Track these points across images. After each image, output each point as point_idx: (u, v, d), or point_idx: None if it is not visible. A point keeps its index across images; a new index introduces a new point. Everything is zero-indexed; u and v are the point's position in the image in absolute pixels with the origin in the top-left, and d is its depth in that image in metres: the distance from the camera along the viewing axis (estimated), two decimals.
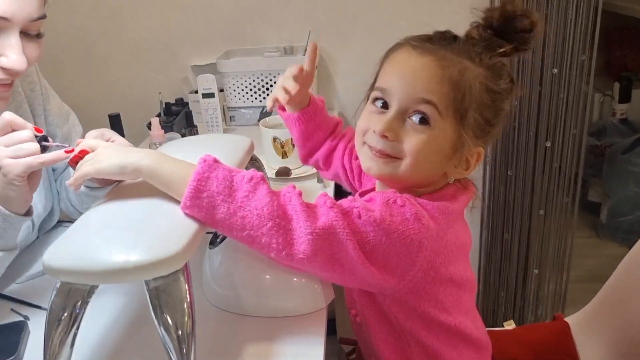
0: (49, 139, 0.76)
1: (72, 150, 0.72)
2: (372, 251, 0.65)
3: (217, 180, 0.64)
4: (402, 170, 0.70)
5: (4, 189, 0.74)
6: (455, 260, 0.73)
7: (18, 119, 0.74)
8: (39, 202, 0.99)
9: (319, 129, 0.94)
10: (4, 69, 0.80)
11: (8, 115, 0.74)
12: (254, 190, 0.64)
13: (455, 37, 0.73)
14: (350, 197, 0.70)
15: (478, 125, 0.71)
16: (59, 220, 1.09)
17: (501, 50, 0.71)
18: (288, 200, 0.65)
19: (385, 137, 0.70)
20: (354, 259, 0.64)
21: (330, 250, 0.64)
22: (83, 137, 0.79)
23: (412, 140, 0.69)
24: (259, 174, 0.66)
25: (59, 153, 0.73)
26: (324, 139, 0.95)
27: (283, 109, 0.94)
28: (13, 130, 0.74)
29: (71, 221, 0.69)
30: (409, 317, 0.74)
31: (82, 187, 0.99)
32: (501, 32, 0.72)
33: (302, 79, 0.86)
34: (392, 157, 0.70)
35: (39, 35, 0.85)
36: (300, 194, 0.67)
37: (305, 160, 0.99)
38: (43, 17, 0.83)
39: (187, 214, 0.64)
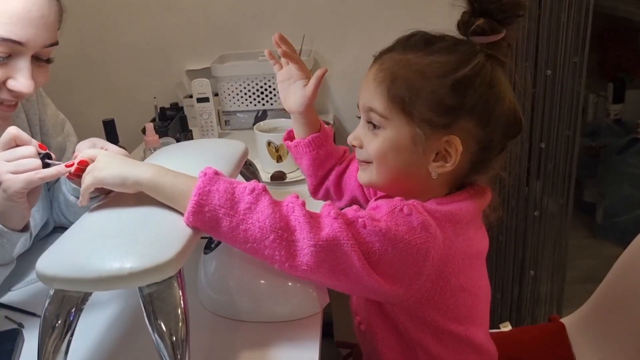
0: (53, 156, 0.76)
1: (72, 164, 0.71)
2: (379, 261, 0.65)
3: (218, 193, 0.64)
4: (375, 175, 0.74)
5: (3, 205, 0.74)
6: (467, 269, 0.73)
7: (23, 134, 0.74)
8: (36, 212, 0.99)
9: (330, 157, 0.94)
10: (11, 91, 0.81)
11: (13, 130, 0.73)
12: (256, 202, 0.64)
13: (414, 34, 0.72)
14: (354, 207, 0.70)
15: (437, 114, 0.68)
16: (54, 227, 1.09)
17: (476, 24, 0.69)
18: (291, 210, 0.65)
19: (354, 145, 0.75)
20: (359, 269, 0.64)
21: (334, 261, 0.64)
22: None
23: (370, 144, 0.73)
24: (261, 185, 0.66)
25: (59, 167, 0.73)
26: (334, 165, 0.95)
27: (291, 139, 0.95)
28: (17, 146, 0.74)
29: (66, 228, 0.68)
30: (418, 326, 0.73)
31: (72, 198, 0.98)
32: (484, 11, 0.69)
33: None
34: (366, 162, 0.75)
35: (48, 60, 0.86)
36: (303, 204, 0.66)
37: (315, 191, 0.97)
38: (56, 43, 0.84)
39: (190, 227, 0.64)
